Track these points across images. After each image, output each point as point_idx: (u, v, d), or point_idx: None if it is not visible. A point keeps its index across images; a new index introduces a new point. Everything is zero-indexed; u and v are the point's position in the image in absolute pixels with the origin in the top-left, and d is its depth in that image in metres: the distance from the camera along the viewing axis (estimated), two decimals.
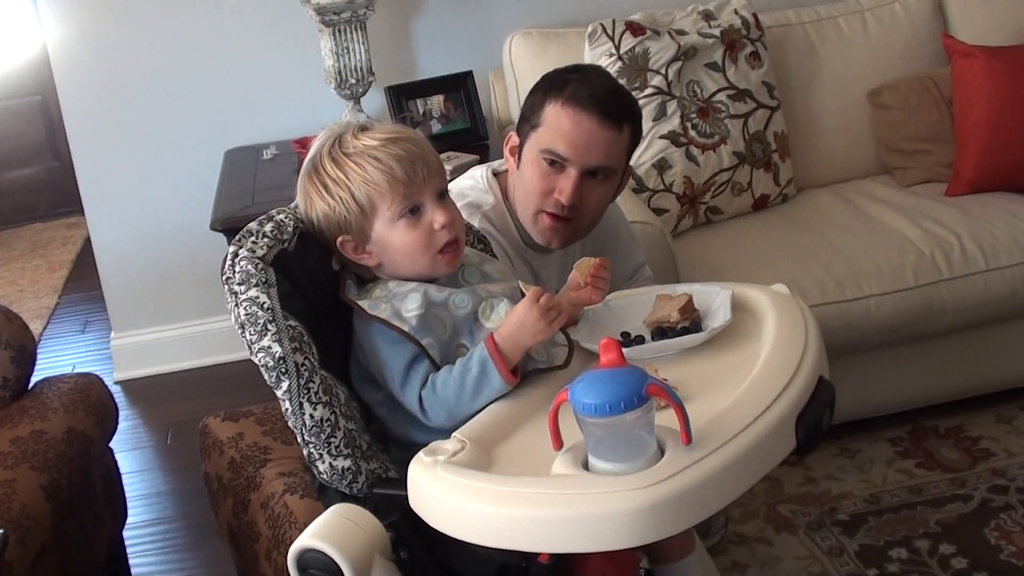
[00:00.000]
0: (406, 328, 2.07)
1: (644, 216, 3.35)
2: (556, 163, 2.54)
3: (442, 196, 2.16)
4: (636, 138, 2.62)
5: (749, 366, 1.96)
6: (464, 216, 2.37)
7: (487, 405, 2.03)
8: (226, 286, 2.06)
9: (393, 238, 2.12)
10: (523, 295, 2.11)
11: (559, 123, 2.52)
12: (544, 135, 2.54)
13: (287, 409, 2.01)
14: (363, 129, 2.17)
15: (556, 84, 2.56)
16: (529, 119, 2.59)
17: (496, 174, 2.75)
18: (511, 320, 2.03)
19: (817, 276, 3.46)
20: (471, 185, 2.71)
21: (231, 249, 2.08)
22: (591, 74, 2.61)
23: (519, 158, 2.63)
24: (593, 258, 2.26)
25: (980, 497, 3.33)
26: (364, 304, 2.11)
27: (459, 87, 4.23)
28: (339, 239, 2.14)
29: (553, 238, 2.61)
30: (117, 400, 3.26)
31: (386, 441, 2.19)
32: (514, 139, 2.66)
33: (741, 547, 3.21)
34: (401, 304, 2.09)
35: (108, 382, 3.47)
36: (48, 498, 2.73)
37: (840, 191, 4.02)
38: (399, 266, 2.15)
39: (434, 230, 2.12)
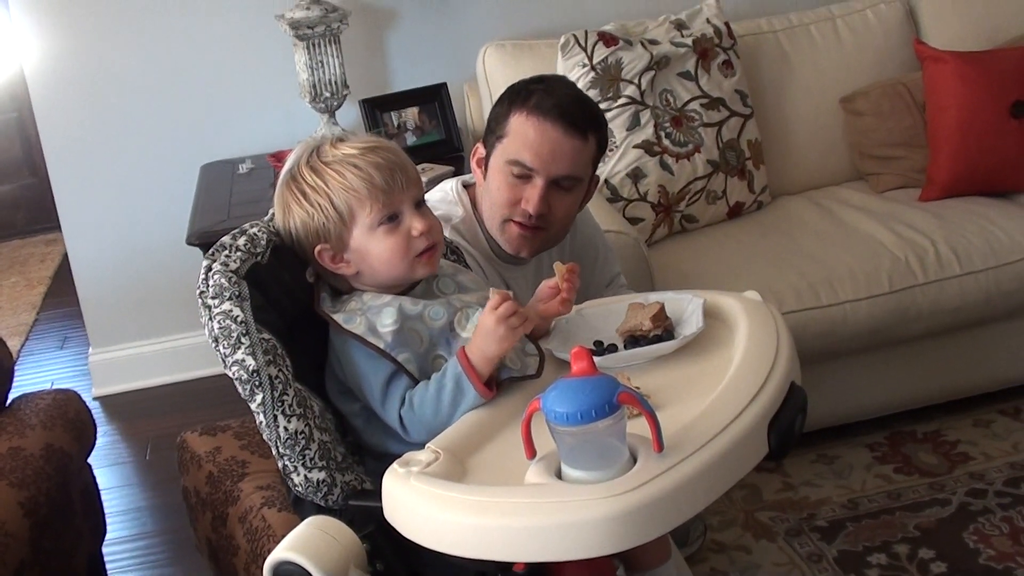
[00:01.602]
0: (382, 345, 2.08)
1: (619, 225, 3.36)
2: (522, 173, 2.54)
3: (419, 205, 2.17)
4: (602, 146, 2.63)
5: (721, 373, 1.97)
6: None
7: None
8: (200, 300, 2.07)
9: (372, 246, 2.13)
10: None
11: (524, 133, 2.53)
12: (510, 146, 2.55)
13: (261, 422, 2.01)
14: (340, 140, 2.18)
15: (520, 95, 2.57)
16: (495, 130, 2.60)
17: (466, 186, 2.75)
18: (477, 331, 2.04)
19: (792, 282, 3.47)
20: (440, 198, 2.72)
21: (205, 263, 2.09)
22: (555, 84, 2.62)
23: (485, 169, 2.63)
24: (560, 263, 2.26)
25: (958, 501, 3.34)
26: (339, 318, 2.12)
27: (433, 99, 4.24)
28: (317, 248, 2.14)
29: (522, 246, 2.62)
30: (96, 416, 3.25)
31: (361, 453, 2.19)
32: (481, 151, 2.66)
33: (720, 555, 3.21)
34: (376, 318, 2.10)
35: (87, 398, 3.47)
36: (26, 515, 2.72)
37: (814, 198, 4.03)
38: (377, 273, 2.16)
39: (412, 237, 2.13)
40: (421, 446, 1.94)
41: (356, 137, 2.21)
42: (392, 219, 2.13)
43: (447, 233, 2.57)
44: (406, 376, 2.08)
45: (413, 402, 2.06)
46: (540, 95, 2.54)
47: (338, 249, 2.15)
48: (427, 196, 2.48)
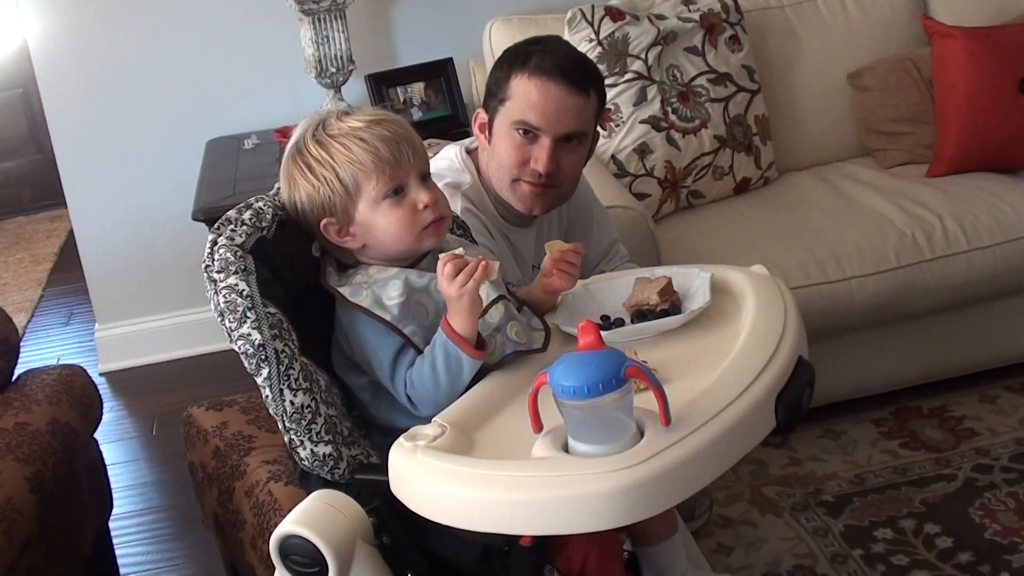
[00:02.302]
0: (388, 318, 2.08)
1: (626, 201, 3.35)
2: (529, 133, 2.57)
3: (425, 178, 2.16)
4: (602, 102, 2.66)
5: (728, 347, 1.97)
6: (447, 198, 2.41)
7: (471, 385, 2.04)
8: (206, 274, 2.07)
9: (377, 219, 2.12)
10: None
11: (528, 94, 2.55)
12: (513, 108, 2.57)
13: (267, 396, 2.01)
14: (346, 113, 2.18)
15: (520, 57, 2.59)
16: (496, 94, 2.61)
17: (469, 152, 2.76)
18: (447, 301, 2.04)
19: (799, 258, 3.46)
20: (447, 166, 2.72)
21: (210, 237, 2.08)
22: (553, 44, 2.63)
23: (490, 133, 2.65)
24: (562, 241, 2.26)
25: (964, 476, 3.34)
26: (345, 291, 2.12)
27: (439, 74, 4.23)
28: (322, 222, 2.14)
29: (535, 204, 2.64)
30: (102, 392, 3.25)
31: (368, 427, 2.19)
32: (482, 115, 2.68)
33: (726, 529, 3.22)
34: (382, 291, 2.10)
35: (93, 374, 3.47)
36: (32, 490, 2.72)
37: (821, 173, 4.02)
38: (383, 246, 2.15)
39: (418, 209, 2.13)
40: (426, 419, 1.94)
41: (362, 110, 2.20)
42: (398, 192, 2.12)
43: (458, 201, 2.59)
44: (413, 350, 2.08)
45: (413, 380, 2.06)
46: (540, 56, 2.56)
47: (344, 223, 2.14)
48: (433, 164, 2.49)
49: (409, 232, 2.13)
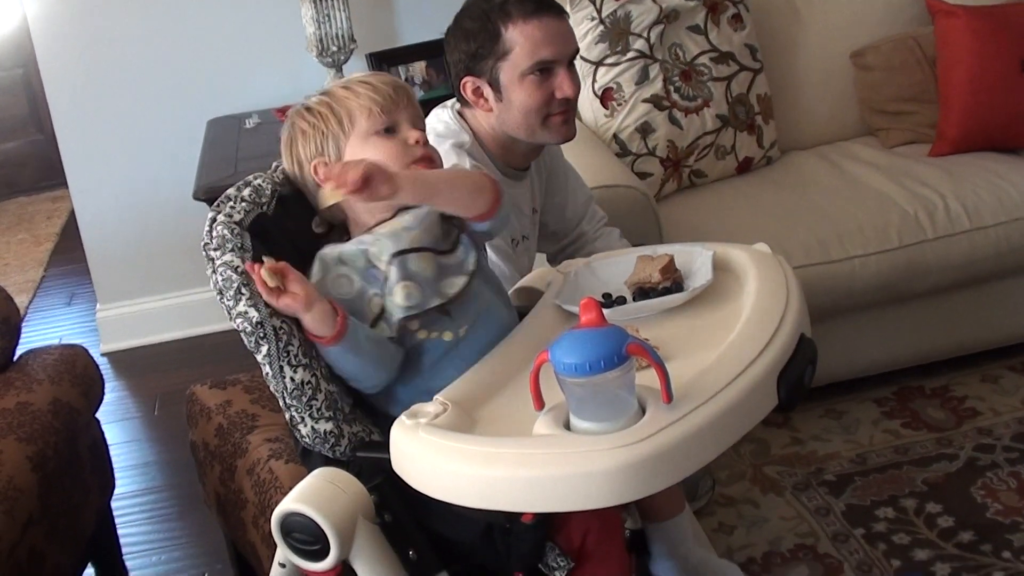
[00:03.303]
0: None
1: (628, 180, 3.34)
2: (545, 70, 2.62)
3: (417, 126, 2.18)
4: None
5: (730, 325, 1.96)
6: (454, 158, 2.54)
7: (367, 356, 2.03)
8: (204, 252, 2.06)
9: (366, 155, 2.09)
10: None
11: (531, 36, 2.61)
12: (522, 55, 2.61)
13: (267, 373, 2.01)
14: (342, 78, 2.21)
15: (497, 11, 2.63)
16: (488, 55, 2.64)
17: (460, 114, 2.79)
18: None
19: (801, 238, 3.46)
20: (444, 128, 2.74)
21: (209, 215, 2.08)
22: None
23: (499, 92, 2.66)
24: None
25: (966, 456, 3.34)
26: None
27: (441, 53, 4.19)
28: (313, 163, 2.14)
29: (569, 131, 2.73)
30: (104, 372, 3.26)
31: (370, 404, 2.19)
32: (474, 81, 2.69)
33: (728, 509, 3.22)
34: (325, 271, 2.11)
35: (95, 354, 3.47)
36: (34, 469, 2.72)
37: (824, 153, 4.01)
38: None
39: (408, 144, 2.14)
40: (427, 397, 1.94)
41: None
42: (389, 131, 2.14)
43: (466, 160, 2.63)
44: None
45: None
46: (513, 2, 2.62)
47: (335, 160, 2.15)
48: (430, 128, 2.52)
49: (396, 165, 2.10)
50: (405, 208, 2.12)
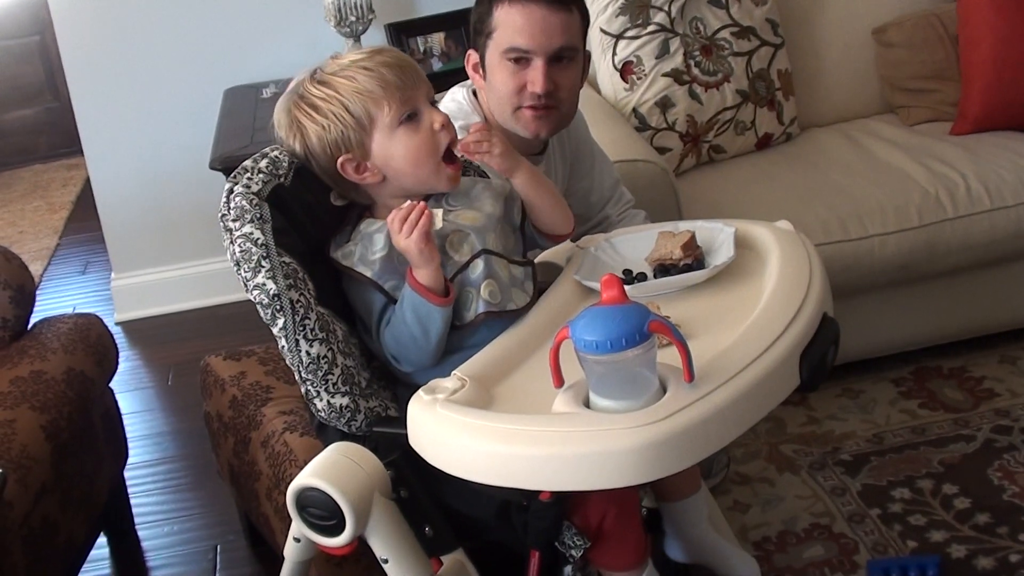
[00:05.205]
0: (369, 274, 2.07)
1: (647, 154, 3.32)
2: (521, 59, 2.56)
3: (433, 103, 2.17)
4: (586, 19, 2.67)
5: (752, 303, 1.95)
6: None
7: (445, 330, 2.04)
8: (222, 223, 2.05)
9: (395, 148, 2.10)
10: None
11: (512, 21, 2.55)
12: (501, 37, 2.57)
13: (283, 346, 2.00)
14: (338, 55, 2.18)
15: None
16: (481, 31, 2.61)
17: (475, 93, 2.76)
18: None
19: (821, 215, 3.43)
20: (457, 108, 2.72)
21: (227, 186, 2.07)
22: None
23: (484, 71, 2.64)
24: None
25: (983, 437, 3.32)
26: (338, 255, 2.11)
27: (460, 24, 4.20)
28: (339, 160, 2.11)
29: (540, 128, 2.62)
30: (118, 341, 3.25)
31: (387, 379, 2.17)
32: (474, 56, 2.68)
33: (743, 487, 3.21)
34: (368, 245, 2.09)
35: (109, 323, 3.46)
36: (48, 438, 2.72)
37: (844, 130, 3.98)
38: (404, 176, 2.13)
39: (435, 131, 2.12)
40: (446, 373, 1.93)
41: (354, 50, 2.20)
42: (411, 117, 2.11)
43: None
44: (393, 306, 2.07)
45: (389, 340, 2.06)
46: None
47: (361, 158, 2.12)
48: (442, 107, 2.50)
49: (429, 157, 2.11)
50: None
